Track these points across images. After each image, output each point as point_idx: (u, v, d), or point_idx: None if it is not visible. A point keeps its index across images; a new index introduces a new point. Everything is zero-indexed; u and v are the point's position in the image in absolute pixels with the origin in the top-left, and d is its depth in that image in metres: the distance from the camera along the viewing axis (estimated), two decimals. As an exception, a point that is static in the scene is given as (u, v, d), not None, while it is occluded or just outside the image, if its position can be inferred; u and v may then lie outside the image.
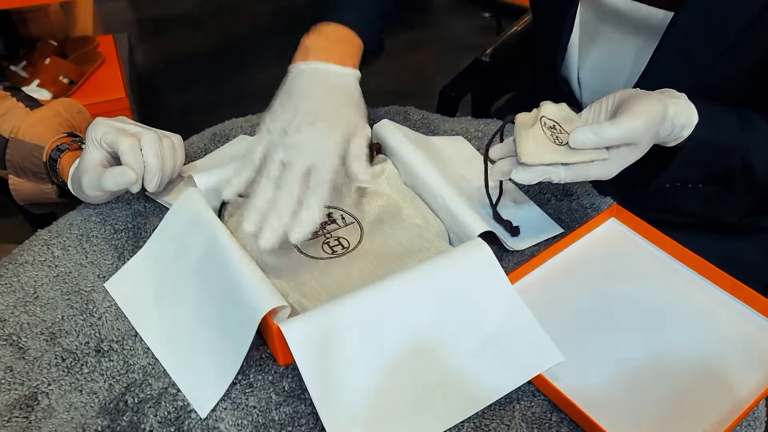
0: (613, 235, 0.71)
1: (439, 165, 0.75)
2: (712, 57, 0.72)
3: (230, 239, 0.63)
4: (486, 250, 0.62)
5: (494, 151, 0.68)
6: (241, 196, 0.73)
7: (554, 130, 0.63)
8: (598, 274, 0.67)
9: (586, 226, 0.70)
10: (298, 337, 0.55)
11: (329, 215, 0.73)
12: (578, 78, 0.87)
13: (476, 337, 0.59)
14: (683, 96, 0.66)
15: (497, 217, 0.71)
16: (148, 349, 0.61)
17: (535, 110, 0.67)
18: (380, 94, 1.06)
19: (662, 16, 0.74)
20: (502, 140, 0.69)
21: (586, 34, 0.83)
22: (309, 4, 2.77)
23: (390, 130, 0.78)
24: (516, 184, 0.76)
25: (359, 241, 0.70)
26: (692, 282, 0.66)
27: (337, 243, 0.70)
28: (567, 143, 0.62)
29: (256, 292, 0.57)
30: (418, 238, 0.68)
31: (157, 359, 0.60)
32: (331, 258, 0.68)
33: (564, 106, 0.67)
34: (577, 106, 0.91)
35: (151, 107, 2.22)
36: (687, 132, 0.66)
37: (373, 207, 0.73)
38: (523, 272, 0.66)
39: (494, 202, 0.71)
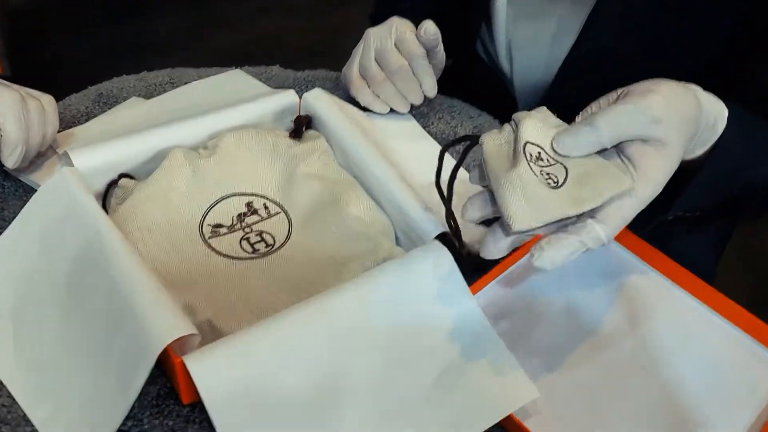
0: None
1: (383, 147, 0.63)
2: (656, 17, 0.62)
3: (118, 238, 0.48)
4: (447, 259, 0.50)
5: (470, 212, 0.47)
6: (131, 177, 0.58)
7: (542, 163, 0.44)
8: (569, 284, 0.57)
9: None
10: (210, 377, 0.42)
11: (249, 204, 0.59)
12: (510, 54, 0.76)
13: (435, 368, 0.48)
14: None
15: (450, 220, 0.52)
16: (2, 386, 0.46)
17: (507, 127, 0.46)
18: (299, 61, 0.91)
19: None
20: (459, 161, 0.48)
21: (512, 3, 0.73)
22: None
23: (324, 101, 0.64)
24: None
25: (287, 237, 0.57)
26: (677, 299, 0.58)
27: (259, 239, 0.56)
28: (566, 179, 0.43)
29: (154, 314, 0.43)
30: (360, 236, 0.56)
31: (14, 400, 0.45)
32: (252, 258, 0.55)
33: (546, 113, 0.47)
34: (505, 86, 0.81)
35: (26, 55, 1.93)
36: (720, 127, 0.50)
37: (304, 193, 0.59)
38: (483, 283, 0.56)
39: (448, 198, 0.51)
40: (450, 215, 0.50)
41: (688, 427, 0.48)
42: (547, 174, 0.43)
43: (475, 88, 0.81)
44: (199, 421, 0.45)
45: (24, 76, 0.58)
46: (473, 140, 0.48)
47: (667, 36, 0.65)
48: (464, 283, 0.50)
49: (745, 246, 1.55)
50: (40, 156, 0.59)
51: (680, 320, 0.56)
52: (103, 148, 0.56)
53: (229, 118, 0.62)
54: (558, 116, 0.47)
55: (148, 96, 0.69)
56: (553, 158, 0.44)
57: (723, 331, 0.55)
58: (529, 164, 0.43)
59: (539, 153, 0.44)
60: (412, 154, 0.65)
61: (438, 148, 0.60)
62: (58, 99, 0.62)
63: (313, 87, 0.69)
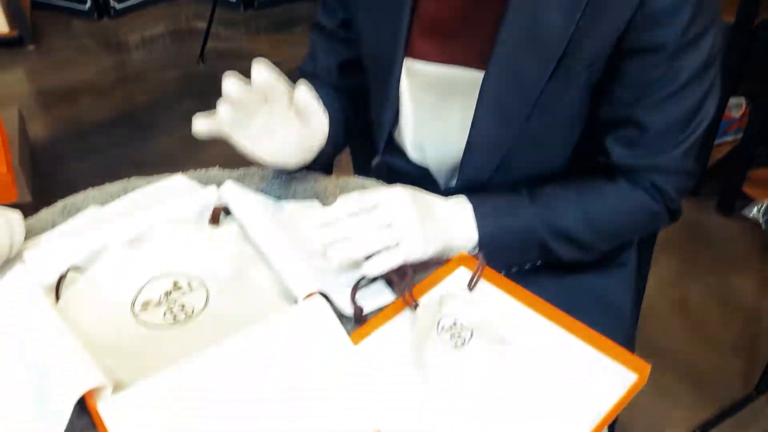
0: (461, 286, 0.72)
1: (289, 229, 0.75)
2: (524, 112, 0.75)
3: (53, 316, 0.60)
4: (324, 308, 0.61)
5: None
6: (78, 269, 0.71)
7: (455, 329, 0.63)
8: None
9: (433, 276, 0.71)
10: (119, 418, 0.53)
11: (175, 282, 0.71)
12: (420, 146, 0.87)
13: (319, 399, 0.57)
14: (467, 209, 0.74)
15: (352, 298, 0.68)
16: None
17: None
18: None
19: (473, 76, 0.77)
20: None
21: (415, 101, 0.84)
22: (213, 73, 2.79)
23: (234, 193, 0.78)
24: None
25: (204, 306, 0.69)
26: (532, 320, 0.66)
27: (180, 310, 0.68)
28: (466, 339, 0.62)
29: (73, 371, 0.54)
30: (266, 304, 0.67)
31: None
32: (172, 326, 0.66)
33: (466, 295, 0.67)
34: (427, 171, 0.90)
35: (46, 178, 2.16)
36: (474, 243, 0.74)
37: (219, 268, 0.72)
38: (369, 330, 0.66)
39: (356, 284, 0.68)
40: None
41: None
42: (456, 338, 0.63)
43: (402, 179, 0.90)
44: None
45: (45, 197, 0.71)
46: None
47: (534, 119, 0.76)
48: (342, 327, 0.61)
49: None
50: (7, 263, 0.72)
51: (533, 336, 0.64)
52: (53, 248, 0.70)
53: (159, 213, 0.75)
54: None
55: (104, 204, 0.83)
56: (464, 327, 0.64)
57: (573, 345, 0.63)
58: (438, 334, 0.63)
59: (454, 323, 0.64)
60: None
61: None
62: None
63: (245, 184, 0.82)
